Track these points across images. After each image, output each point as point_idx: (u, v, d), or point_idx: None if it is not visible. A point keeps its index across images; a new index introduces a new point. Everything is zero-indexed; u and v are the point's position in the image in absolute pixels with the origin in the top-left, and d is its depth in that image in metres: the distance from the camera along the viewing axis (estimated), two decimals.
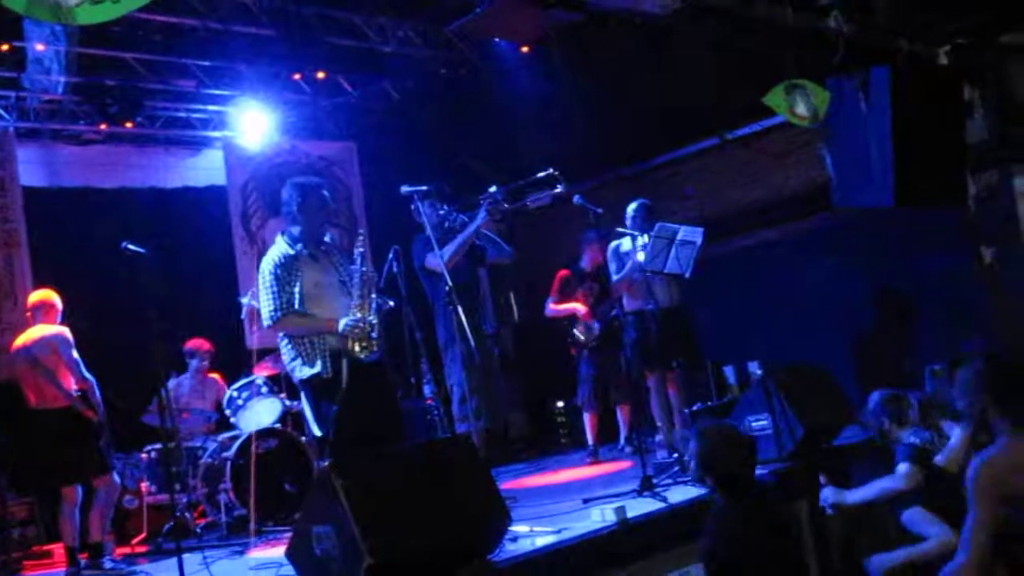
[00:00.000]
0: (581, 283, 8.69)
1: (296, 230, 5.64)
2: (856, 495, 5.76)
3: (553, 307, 8.71)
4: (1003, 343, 8.01)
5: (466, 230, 6.50)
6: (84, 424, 6.73)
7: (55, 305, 6.99)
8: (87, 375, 6.83)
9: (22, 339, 6.91)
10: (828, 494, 5.85)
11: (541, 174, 6.62)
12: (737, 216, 9.74)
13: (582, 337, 8.63)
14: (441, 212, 6.62)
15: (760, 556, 4.23)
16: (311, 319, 5.47)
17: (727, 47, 8.40)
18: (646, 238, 7.39)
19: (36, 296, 7.09)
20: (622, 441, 8.72)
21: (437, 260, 6.27)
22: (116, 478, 6.98)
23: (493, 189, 6.58)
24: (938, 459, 5.35)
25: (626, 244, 7.67)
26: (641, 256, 7.35)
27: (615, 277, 7.61)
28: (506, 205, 6.59)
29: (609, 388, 8.55)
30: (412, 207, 6.29)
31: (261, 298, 5.52)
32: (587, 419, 8.63)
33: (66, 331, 6.84)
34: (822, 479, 5.95)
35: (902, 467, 5.42)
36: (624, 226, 7.68)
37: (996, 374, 3.80)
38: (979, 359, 3.95)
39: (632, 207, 7.76)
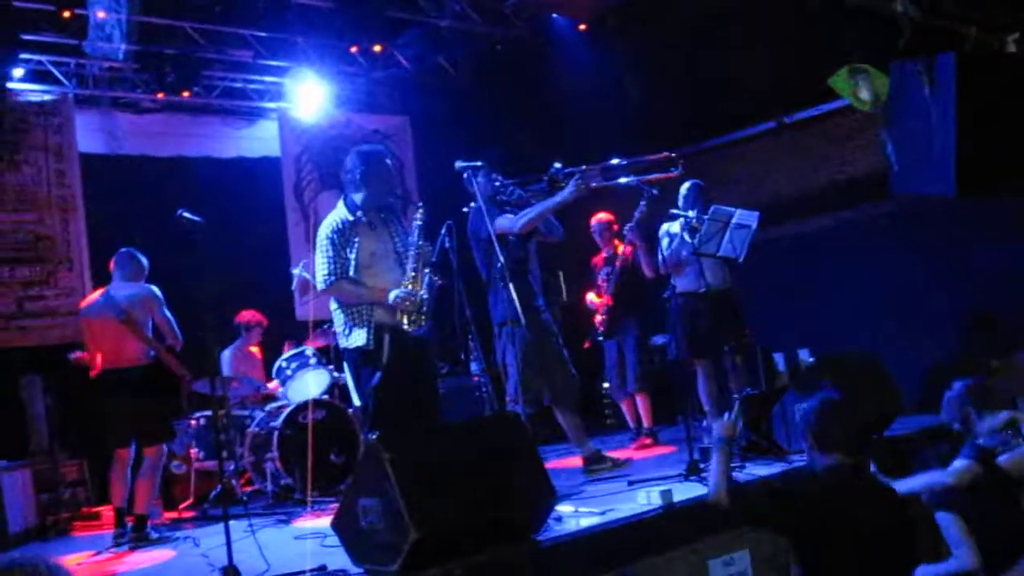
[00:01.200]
0: (601, 270, 8.58)
1: (358, 197, 5.65)
2: (903, 485, 5.59)
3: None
4: None
5: (552, 199, 6.32)
6: (161, 385, 6.72)
7: (138, 262, 6.90)
8: (179, 334, 6.79)
9: (98, 293, 6.87)
10: None
11: (659, 155, 6.41)
12: (793, 201, 9.60)
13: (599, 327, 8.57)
14: (496, 184, 6.51)
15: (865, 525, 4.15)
16: (363, 287, 5.49)
17: (787, 29, 8.28)
18: (677, 224, 7.32)
19: (122, 254, 6.96)
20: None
21: (509, 224, 6.25)
22: (164, 447, 6.97)
23: (583, 167, 6.32)
24: (1001, 459, 5.19)
25: (675, 226, 7.58)
26: (686, 237, 7.27)
27: (661, 257, 7.51)
28: (594, 183, 6.38)
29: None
30: (465, 179, 6.22)
31: (317, 261, 5.55)
32: (623, 407, 8.61)
33: (156, 289, 6.80)
34: (872, 467, 5.79)
35: (958, 463, 5.26)
36: (676, 206, 7.59)
37: None
38: None
39: (685, 187, 7.67)
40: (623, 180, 6.66)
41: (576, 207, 6.65)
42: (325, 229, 5.57)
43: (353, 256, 5.48)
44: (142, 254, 6.98)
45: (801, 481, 4.40)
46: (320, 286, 5.58)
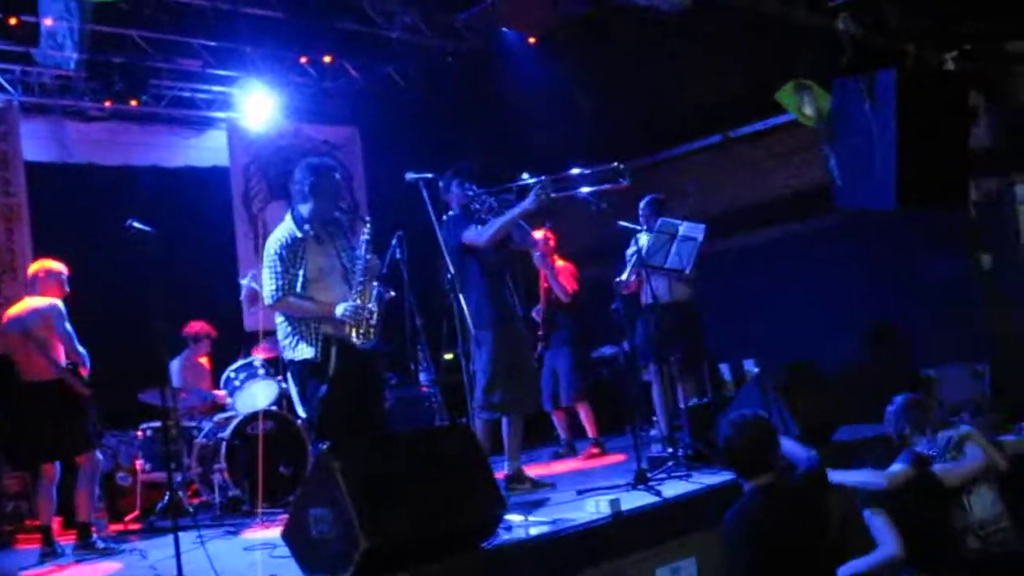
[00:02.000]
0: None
1: (305, 210, 5.63)
2: (838, 476, 5.62)
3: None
4: (997, 349, 8.07)
5: (512, 210, 6.27)
6: (72, 398, 6.65)
7: (52, 274, 6.86)
8: (79, 348, 6.76)
9: (15, 309, 6.83)
10: None
11: (608, 166, 6.43)
12: (739, 214, 9.75)
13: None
14: (470, 193, 6.48)
15: (791, 541, 4.26)
16: (311, 302, 5.47)
17: (735, 44, 8.42)
18: (644, 237, 7.40)
19: (35, 266, 6.98)
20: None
21: (475, 235, 6.27)
22: (99, 456, 6.89)
23: (542, 177, 6.28)
24: (936, 467, 5.32)
25: (642, 239, 7.64)
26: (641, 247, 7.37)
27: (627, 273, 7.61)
28: (554, 194, 6.31)
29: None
30: (440, 190, 6.19)
31: (264, 276, 5.52)
32: (555, 418, 8.71)
33: (59, 303, 6.74)
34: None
35: (895, 467, 5.37)
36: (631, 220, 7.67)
37: None
38: None
39: (642, 202, 7.76)
40: (581, 191, 6.69)
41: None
42: (273, 244, 5.54)
43: (301, 272, 5.47)
44: (58, 266, 6.93)
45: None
46: (268, 301, 5.54)
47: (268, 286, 5.49)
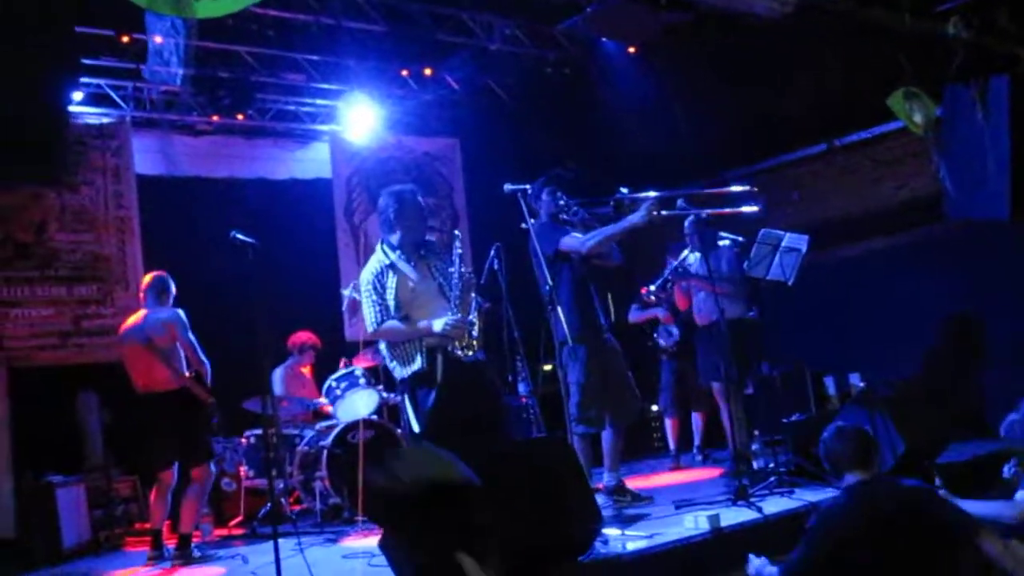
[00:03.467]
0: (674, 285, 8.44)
1: (394, 238, 5.69)
2: (968, 506, 5.41)
3: (636, 313, 8.73)
4: None
5: (621, 223, 6.24)
6: (194, 408, 6.78)
7: (168, 288, 7.03)
8: (204, 358, 6.90)
9: (134, 318, 6.98)
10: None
11: (738, 187, 6.38)
12: (844, 224, 9.54)
13: (662, 342, 8.63)
14: (560, 203, 6.47)
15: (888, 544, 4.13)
16: (408, 324, 5.52)
17: (838, 51, 8.25)
18: (692, 256, 7.41)
19: (147, 278, 7.15)
20: (695, 449, 8.72)
21: (578, 243, 6.26)
22: (212, 468, 7.04)
23: (653, 193, 6.28)
24: None
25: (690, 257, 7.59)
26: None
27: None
28: (664, 212, 6.33)
29: (689, 395, 8.51)
30: (525, 198, 6.16)
31: (363, 307, 5.65)
32: (669, 425, 8.65)
33: (181, 313, 6.90)
34: (937, 481, 5.63)
35: (1021, 495, 5.12)
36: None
37: None
38: None
39: (688, 220, 7.60)
40: (691, 215, 6.68)
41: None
42: (367, 275, 5.65)
43: (393, 296, 5.54)
44: (171, 279, 7.11)
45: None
46: (369, 330, 5.65)
47: (368, 316, 5.60)
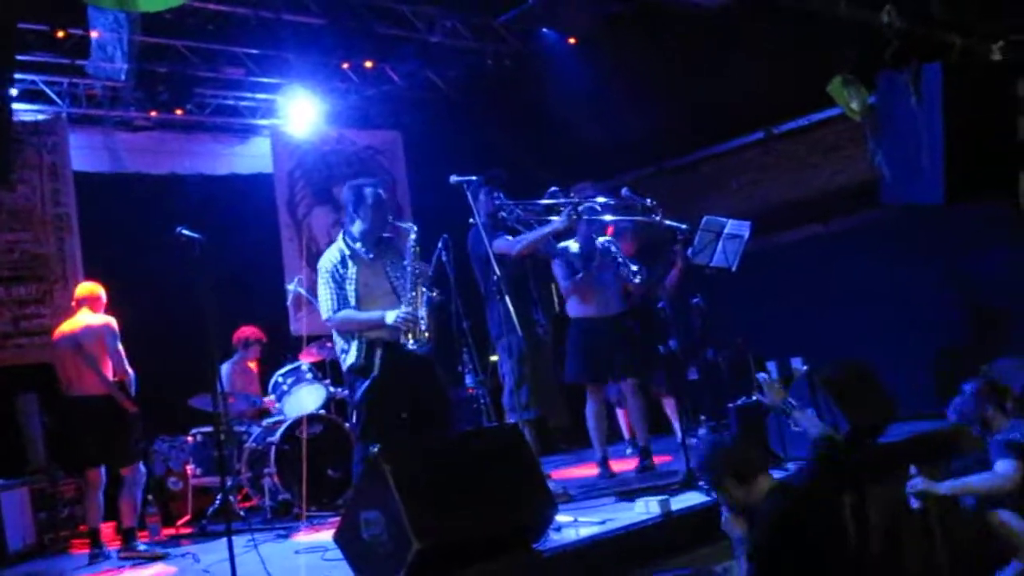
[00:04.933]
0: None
1: (355, 230, 5.82)
2: (947, 487, 5.47)
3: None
4: None
5: (544, 227, 6.47)
6: (119, 413, 6.87)
7: (100, 297, 7.12)
8: (128, 367, 6.96)
9: (67, 326, 7.03)
10: (917, 483, 5.51)
11: (645, 201, 6.53)
12: (783, 211, 9.67)
13: None
14: (497, 202, 6.59)
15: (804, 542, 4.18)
16: (364, 314, 5.64)
17: (776, 40, 8.35)
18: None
19: (84, 289, 7.21)
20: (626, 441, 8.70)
21: (507, 246, 6.38)
22: (142, 467, 7.10)
23: (572, 197, 6.58)
24: None
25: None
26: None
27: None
28: (585, 216, 6.63)
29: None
30: (469, 195, 6.25)
31: (320, 294, 5.75)
32: (620, 414, 8.60)
33: (113, 322, 6.98)
34: (913, 469, 5.71)
35: (1005, 464, 5.23)
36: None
37: None
38: None
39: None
40: (607, 217, 6.85)
41: None
42: (326, 263, 5.76)
43: (352, 288, 5.66)
44: (99, 285, 7.18)
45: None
46: (324, 316, 5.76)
47: (324, 303, 5.71)
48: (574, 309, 7.45)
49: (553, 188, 6.74)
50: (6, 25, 4.35)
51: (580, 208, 6.45)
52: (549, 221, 6.51)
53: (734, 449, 4.38)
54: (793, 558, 4.13)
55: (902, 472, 5.63)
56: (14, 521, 7.48)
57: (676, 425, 8.15)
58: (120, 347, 6.95)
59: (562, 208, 6.47)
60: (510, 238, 6.50)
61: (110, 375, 6.90)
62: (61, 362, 6.98)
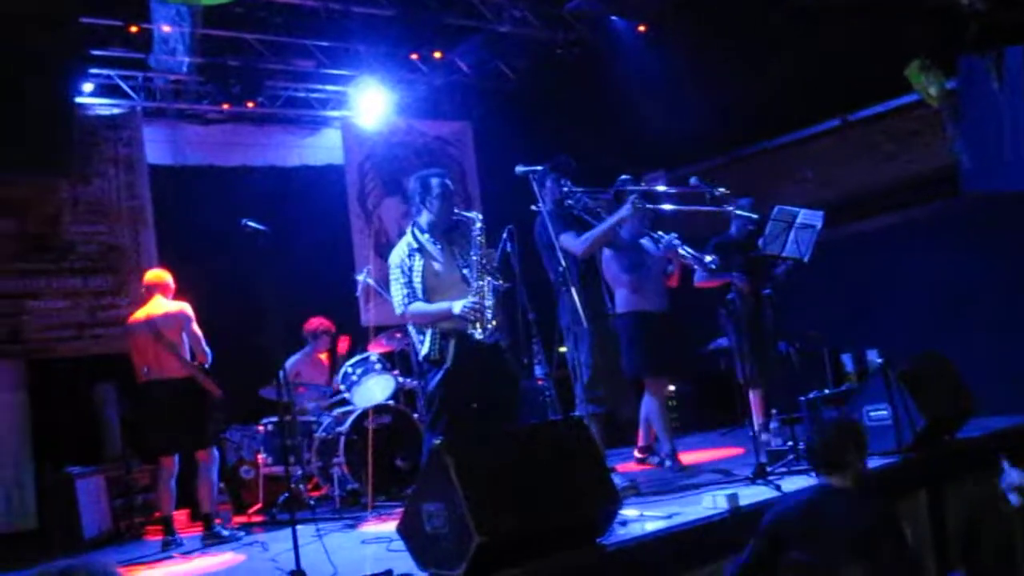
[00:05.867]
0: (734, 252, 7.93)
1: (423, 221, 5.81)
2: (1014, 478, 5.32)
3: (706, 276, 7.84)
4: None
5: (606, 222, 6.31)
6: (201, 397, 6.93)
7: (170, 284, 7.20)
8: (207, 349, 7.02)
9: (142, 312, 7.08)
10: (1014, 477, 5.33)
11: (719, 190, 6.36)
12: (859, 200, 9.47)
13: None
14: (564, 189, 6.47)
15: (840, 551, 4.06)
16: (434, 307, 5.63)
17: (850, 24, 8.16)
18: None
19: (154, 275, 7.26)
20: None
21: (573, 245, 6.28)
22: (215, 451, 7.16)
23: (638, 187, 6.38)
24: None
25: None
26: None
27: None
28: (649, 205, 6.43)
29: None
30: (534, 184, 6.19)
31: (392, 289, 5.75)
32: (755, 397, 7.86)
33: (188, 307, 7.04)
34: (1004, 462, 5.53)
35: None
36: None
37: None
38: None
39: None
40: (667, 207, 6.68)
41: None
42: (396, 257, 5.77)
43: (420, 280, 5.66)
44: (167, 272, 7.28)
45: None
46: (398, 311, 5.77)
47: (396, 297, 5.72)
48: (629, 302, 7.31)
49: (624, 177, 6.61)
50: (74, 19, 4.41)
51: (643, 196, 6.30)
52: (616, 210, 6.39)
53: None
54: None
55: (987, 469, 5.44)
56: (90, 508, 7.64)
57: (757, 419, 7.90)
58: (198, 330, 7.01)
59: (627, 196, 6.31)
60: (575, 236, 6.34)
61: (189, 358, 6.97)
62: (138, 348, 7.00)
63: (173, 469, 6.98)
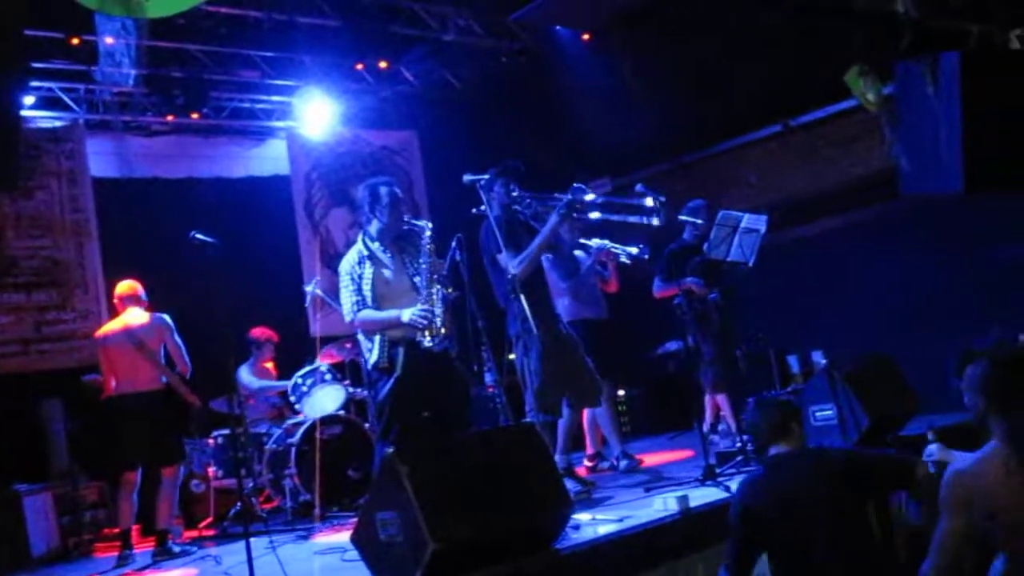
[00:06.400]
0: (689, 258, 7.92)
1: (373, 229, 5.82)
2: (965, 457, 5.39)
3: (662, 285, 7.92)
4: None
5: (537, 238, 6.24)
6: (176, 410, 6.97)
7: (142, 295, 7.17)
8: (188, 360, 7.00)
9: (118, 323, 7.04)
10: (934, 450, 5.51)
11: (648, 201, 6.19)
12: (801, 204, 9.63)
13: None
14: (513, 194, 6.43)
15: (809, 504, 4.14)
16: (383, 314, 5.64)
17: (790, 31, 8.31)
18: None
19: (126, 287, 7.20)
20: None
21: (510, 265, 6.26)
22: (180, 468, 7.15)
23: (569, 195, 6.21)
24: None
25: None
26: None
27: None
28: (576, 215, 6.35)
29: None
30: (481, 191, 6.21)
31: (342, 296, 5.75)
32: (723, 401, 7.91)
33: (168, 317, 7.03)
34: (930, 435, 5.63)
35: None
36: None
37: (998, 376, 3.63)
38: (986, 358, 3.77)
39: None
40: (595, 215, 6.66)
41: None
42: (346, 265, 5.77)
43: (370, 288, 5.66)
44: (138, 283, 7.26)
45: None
46: (347, 318, 5.77)
47: (346, 304, 5.72)
48: (570, 311, 7.36)
49: (577, 185, 6.50)
50: (16, 31, 4.37)
51: (575, 204, 6.18)
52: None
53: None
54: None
55: None
56: (38, 526, 7.55)
57: (731, 422, 7.94)
58: (179, 340, 6.99)
59: (567, 203, 6.19)
60: (513, 255, 6.23)
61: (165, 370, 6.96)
62: (111, 359, 6.96)
63: (136, 483, 6.95)
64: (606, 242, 7.37)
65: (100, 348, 7.12)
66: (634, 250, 7.29)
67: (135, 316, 7.02)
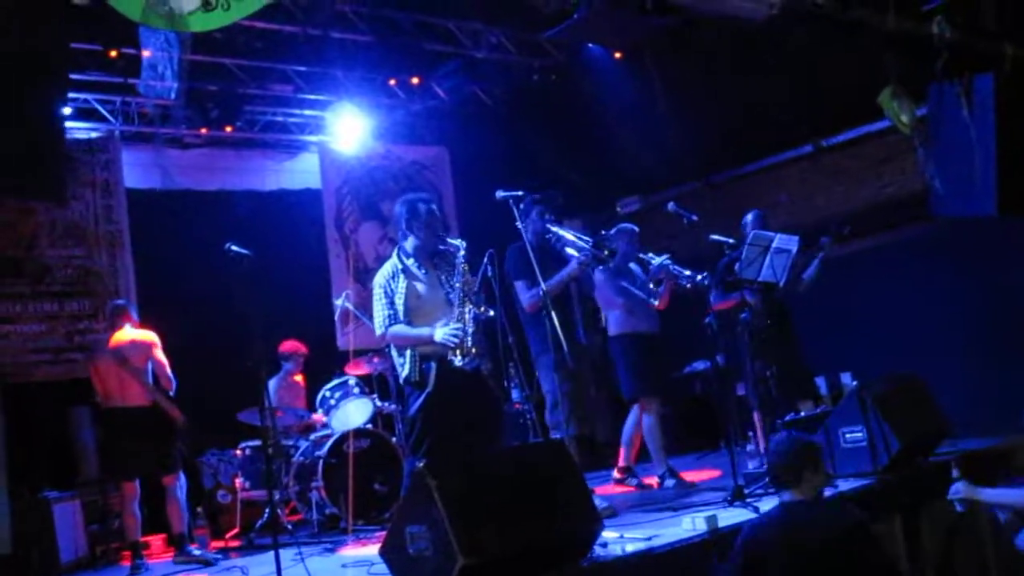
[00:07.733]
0: None
1: (409, 245, 5.80)
2: (992, 495, 5.32)
3: (722, 297, 7.78)
4: None
5: (552, 281, 6.33)
6: (164, 423, 7.04)
7: (132, 312, 7.39)
8: (172, 376, 7.12)
9: (110, 340, 7.20)
10: (959, 488, 5.38)
11: (692, 217, 6.60)
12: (833, 224, 9.57)
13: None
14: (548, 224, 6.58)
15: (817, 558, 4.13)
16: (415, 331, 5.61)
17: (823, 52, 8.29)
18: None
19: (115, 305, 7.51)
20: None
21: (523, 297, 6.41)
22: (182, 475, 7.25)
23: (592, 246, 6.50)
24: None
25: None
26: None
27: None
28: (598, 263, 6.63)
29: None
30: (515, 210, 6.24)
31: (374, 309, 5.73)
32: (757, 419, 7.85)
33: (154, 335, 7.17)
34: (955, 472, 5.60)
35: None
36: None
37: None
38: None
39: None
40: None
41: None
42: (380, 278, 5.75)
43: (402, 302, 5.64)
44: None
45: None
46: (378, 331, 5.75)
47: (378, 317, 5.70)
48: (624, 324, 7.42)
49: (624, 226, 6.84)
50: (61, 45, 4.43)
51: (590, 257, 6.44)
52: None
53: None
54: None
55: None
56: (66, 533, 7.59)
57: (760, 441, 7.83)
58: (163, 357, 7.11)
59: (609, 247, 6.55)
60: (526, 287, 6.43)
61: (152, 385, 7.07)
62: (100, 375, 7.14)
63: (135, 494, 7.10)
64: (668, 262, 7.28)
65: (90, 364, 7.33)
66: (695, 275, 7.18)
67: (123, 333, 7.18)
